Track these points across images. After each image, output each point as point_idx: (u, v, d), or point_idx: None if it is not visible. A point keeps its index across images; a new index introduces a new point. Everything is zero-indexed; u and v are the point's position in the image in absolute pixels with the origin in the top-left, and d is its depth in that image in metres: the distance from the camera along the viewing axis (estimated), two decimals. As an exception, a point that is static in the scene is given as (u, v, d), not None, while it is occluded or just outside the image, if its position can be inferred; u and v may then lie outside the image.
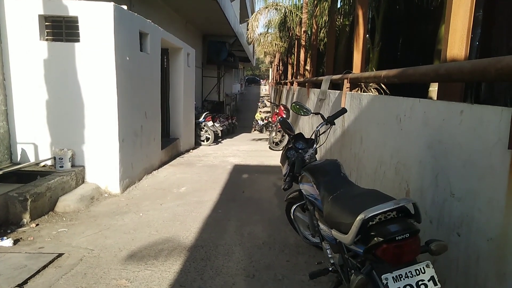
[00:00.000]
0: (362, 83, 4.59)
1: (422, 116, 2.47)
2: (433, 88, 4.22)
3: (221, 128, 11.63)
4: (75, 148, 4.94)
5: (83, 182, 4.96)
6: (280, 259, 3.29)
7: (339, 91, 4.90)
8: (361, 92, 4.56)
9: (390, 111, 3.02)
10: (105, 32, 4.74)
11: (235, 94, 29.89)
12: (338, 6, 8.13)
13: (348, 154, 4.22)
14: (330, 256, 2.41)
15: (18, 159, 4.92)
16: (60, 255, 3.21)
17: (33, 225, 3.85)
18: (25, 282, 2.75)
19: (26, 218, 3.86)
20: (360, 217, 1.74)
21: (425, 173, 2.39)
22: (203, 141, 10.46)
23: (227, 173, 6.61)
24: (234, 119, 15.68)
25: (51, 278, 2.84)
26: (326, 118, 3.13)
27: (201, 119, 10.46)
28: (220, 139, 11.70)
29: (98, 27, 4.73)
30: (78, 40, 4.76)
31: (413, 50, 6.58)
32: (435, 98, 3.41)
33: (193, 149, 9.49)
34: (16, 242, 3.42)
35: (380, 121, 3.25)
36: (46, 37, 4.79)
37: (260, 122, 17.63)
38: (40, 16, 4.70)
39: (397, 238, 1.69)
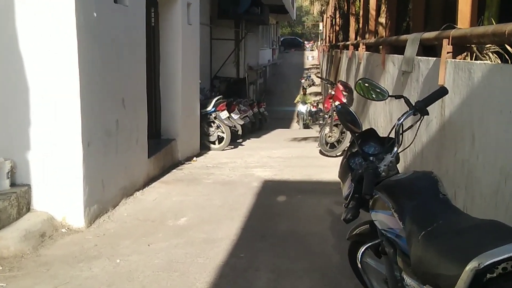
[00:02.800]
0: (473, 45, 4.52)
1: None
2: None
3: (241, 122, 11.74)
4: (16, 158, 5.10)
5: (28, 210, 5.12)
6: (341, 333, 3.30)
7: (434, 59, 4.84)
8: (472, 59, 4.49)
9: (520, 91, 2.97)
10: (60, -25, 4.90)
11: (263, 66, 30.03)
12: None
13: (451, 162, 4.17)
14: (423, 328, 2.40)
15: None
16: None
17: (-45, 277, 4.03)
18: None
19: None
20: (471, 265, 1.72)
21: None
22: (214, 142, 10.58)
23: (252, 194, 6.66)
24: (263, 106, 15.80)
25: None
26: (413, 104, 3.11)
27: (210, 109, 10.56)
28: (241, 139, 11.81)
29: (49, -33, 4.89)
30: (17, -11, 4.94)
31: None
32: None
33: (198, 155, 9.62)
34: None
35: (504, 107, 3.20)
36: (-30, -14, 5.01)
37: (304, 109, 18.18)
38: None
39: (534, 301, 1.67)
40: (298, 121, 20.26)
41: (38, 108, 5.06)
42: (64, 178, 5.17)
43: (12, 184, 5.04)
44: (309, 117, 17.84)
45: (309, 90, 27.09)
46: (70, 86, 5.04)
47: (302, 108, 19.71)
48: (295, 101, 20.75)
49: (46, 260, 4.47)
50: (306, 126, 17.67)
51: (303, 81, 29.09)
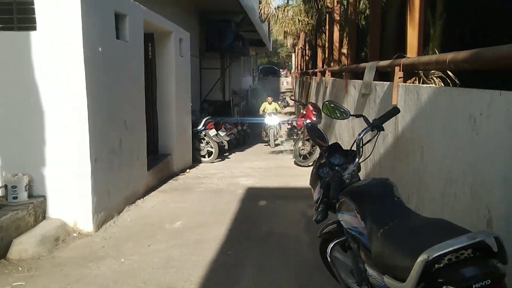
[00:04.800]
0: (420, 71, 4.59)
1: (505, 114, 2.47)
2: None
3: (227, 138, 11.75)
4: (33, 173, 5.07)
5: (44, 218, 5.07)
6: (315, 318, 3.29)
7: (388, 83, 4.91)
8: (419, 83, 4.56)
9: (460, 109, 3.02)
10: (70, 16, 4.89)
11: (245, 90, 30.11)
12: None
13: (404, 171, 4.21)
14: (383, 312, 2.40)
15: (-42, 189, 5.07)
16: (15, 318, 3.29)
17: (-21, 278, 3.96)
18: None
19: (-30, 269, 3.97)
20: (422, 258, 1.74)
21: (512, 195, 2.37)
22: (204, 156, 10.58)
23: (237, 200, 6.66)
24: (246, 125, 15.78)
25: None
26: (371, 122, 3.14)
27: (200, 127, 10.59)
28: (227, 153, 11.80)
29: (61, 11, 4.88)
30: (34, 28, 4.92)
31: (491, 22, 6.53)
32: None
33: (190, 168, 9.59)
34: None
35: (447, 123, 3.25)
36: (-8, 26, 4.98)
37: (275, 122, 14.56)
38: (-16, -2, 4.90)
39: (475, 286, 1.68)
40: (265, 136, 14.91)
41: (51, 129, 5.05)
42: (75, 189, 5.15)
43: (30, 196, 5.02)
44: (280, 132, 15.20)
45: (284, 110, 27.17)
46: (79, 110, 5.04)
47: (270, 120, 14.64)
48: (260, 112, 16.16)
49: (60, 261, 4.43)
50: (275, 141, 14.46)
51: (279, 102, 29.14)
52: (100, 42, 5.37)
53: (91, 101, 5.11)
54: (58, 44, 4.94)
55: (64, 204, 5.15)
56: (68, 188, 5.14)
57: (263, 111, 15.81)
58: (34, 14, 4.91)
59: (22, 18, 4.97)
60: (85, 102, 5.03)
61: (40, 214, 5.02)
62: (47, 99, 5.00)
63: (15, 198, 4.87)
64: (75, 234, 5.11)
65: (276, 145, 14.34)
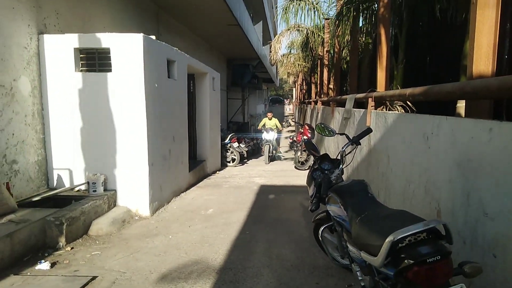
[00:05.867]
0: (387, 101, 4.56)
1: (450, 134, 2.44)
2: (461, 104, 4.14)
3: (246, 149, 11.73)
4: (107, 173, 5.12)
5: (115, 205, 5.11)
6: (310, 281, 3.25)
7: (364, 110, 4.88)
8: (386, 110, 4.53)
9: (416, 129, 2.99)
10: (135, 62, 4.96)
11: (259, 114, 30.14)
12: (360, 25, 8.17)
13: (375, 174, 4.17)
14: (360, 278, 2.37)
15: (55, 184, 5.13)
16: (94, 278, 3.30)
17: (68, 248, 3.99)
18: (62, 304, 2.84)
19: (62, 241, 4.00)
20: (389, 239, 1.72)
21: (455, 192, 2.33)
22: (229, 162, 10.57)
23: (253, 194, 6.63)
24: (259, 139, 15.76)
25: (86, 300, 2.92)
26: (351, 138, 3.13)
27: (226, 141, 10.60)
28: (246, 160, 11.78)
29: (129, 57, 4.96)
30: (110, 70, 5.00)
31: (439, 65, 6.49)
32: (464, 115, 3.35)
33: (219, 170, 9.59)
34: (53, 265, 3.54)
35: (407, 139, 3.22)
36: (80, 69, 5.06)
37: (271, 137, 11.50)
38: (75, 49, 4.99)
39: (428, 260, 1.66)
40: (263, 151, 11.69)
41: (121, 143, 5.10)
42: (137, 185, 5.18)
43: (105, 189, 5.06)
44: (278, 147, 12.39)
45: (286, 129, 27.08)
46: (141, 129, 5.09)
47: (267, 135, 11.70)
48: (259, 127, 12.47)
49: (125, 237, 4.44)
50: (272, 159, 11.62)
51: (283, 123, 29.02)
52: (156, 80, 5.43)
53: (149, 122, 5.16)
54: (126, 81, 5.01)
55: (129, 195, 5.18)
56: (132, 184, 5.17)
57: (263, 126, 12.22)
58: (110, 60, 4.99)
59: (102, 63, 5.06)
60: (145, 123, 5.08)
61: (112, 202, 5.06)
62: (117, 121, 5.06)
63: (94, 191, 4.92)
64: (136, 218, 5.13)
65: (272, 160, 11.47)
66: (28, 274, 3.36)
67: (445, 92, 2.69)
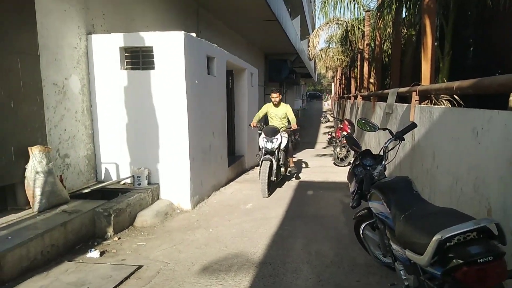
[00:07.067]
0: (432, 95, 4.39)
1: (502, 129, 2.31)
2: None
3: (284, 145, 11.68)
4: (151, 167, 5.31)
5: (158, 198, 5.29)
6: (350, 279, 3.21)
7: (407, 105, 4.73)
8: (431, 104, 4.35)
9: (465, 124, 2.86)
10: (177, 59, 5.09)
11: (297, 110, 29.96)
12: (403, 16, 7.89)
13: (420, 170, 4.03)
14: (404, 277, 2.31)
15: (102, 178, 5.40)
16: (139, 267, 3.45)
17: (116, 238, 4.19)
18: (111, 291, 3.01)
19: (110, 232, 4.22)
20: (436, 237, 1.67)
21: (507, 191, 2.21)
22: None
23: (291, 189, 6.61)
24: (297, 135, 15.64)
25: (132, 288, 3.08)
26: (394, 133, 3.04)
27: (264, 136, 10.53)
28: (284, 156, 11.73)
29: (170, 55, 5.10)
30: (153, 68, 5.16)
31: (487, 57, 6.13)
32: (517, 109, 3.16)
33: (257, 165, 9.62)
34: (102, 253, 3.75)
35: (454, 135, 3.08)
36: (125, 67, 5.27)
37: (273, 145, 6.06)
38: (120, 48, 5.20)
39: (479, 260, 1.59)
40: (260, 170, 6.05)
41: (163, 138, 5.25)
42: (179, 179, 5.31)
43: (149, 183, 5.24)
44: (286, 161, 6.83)
45: (324, 125, 26.63)
46: (182, 124, 5.21)
47: (268, 142, 6.27)
48: (252, 124, 6.87)
49: (168, 229, 4.59)
50: (278, 183, 6.62)
51: (322, 119, 28.62)
52: (196, 76, 5.54)
53: (190, 118, 5.27)
54: (168, 78, 5.15)
55: (171, 189, 5.34)
56: (174, 178, 5.32)
57: (259, 122, 6.95)
58: (153, 58, 5.16)
59: (145, 61, 5.24)
60: (186, 119, 5.20)
61: (155, 196, 5.24)
62: (160, 117, 5.22)
63: (139, 184, 5.12)
64: (178, 211, 5.29)
65: (279, 184, 6.68)
66: (80, 261, 3.58)
67: (497, 85, 2.55)
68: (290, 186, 6.85)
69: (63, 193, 4.31)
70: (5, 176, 3.86)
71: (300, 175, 8.03)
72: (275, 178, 6.28)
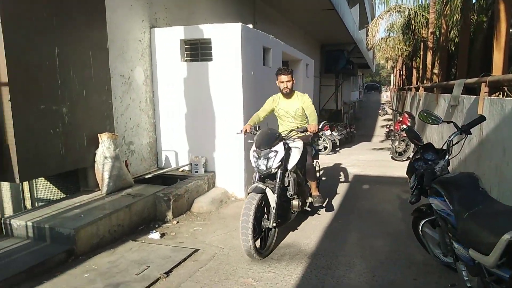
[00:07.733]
0: (504, 87, 4.05)
1: None
2: None
3: (339, 137, 11.51)
4: (207, 156, 5.50)
5: (213, 186, 5.48)
6: (406, 276, 3.11)
7: (474, 97, 4.42)
8: (503, 96, 4.02)
9: (543, 119, 2.62)
10: (234, 50, 5.18)
11: (353, 102, 29.16)
12: (473, 1, 7.33)
13: (487, 167, 3.77)
14: (466, 278, 2.20)
15: (163, 164, 5.70)
16: (196, 250, 3.62)
17: (174, 222, 4.43)
18: (170, 271, 3.20)
19: (169, 215, 4.46)
20: (505, 237, 1.57)
21: None
22: (321, 150, 10.47)
23: (346, 183, 6.50)
24: (353, 127, 15.29)
25: (190, 269, 3.24)
26: (460, 127, 2.87)
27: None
28: (338, 148, 11.55)
29: (228, 46, 5.20)
30: (211, 59, 5.31)
31: None
32: None
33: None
34: (162, 235, 3.99)
35: (529, 129, 2.84)
36: (185, 58, 5.48)
37: (273, 164, 3.29)
38: (181, 40, 5.41)
39: (554, 265, 1.47)
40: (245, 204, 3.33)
41: (219, 128, 5.41)
42: (233, 168, 5.44)
43: (205, 171, 5.45)
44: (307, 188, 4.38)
45: (382, 118, 25.63)
46: (238, 115, 5.31)
47: (256, 159, 3.55)
48: (244, 131, 4.16)
49: (223, 216, 4.75)
50: (265, 237, 3.55)
51: (380, 111, 27.58)
52: (252, 67, 5.61)
53: (245, 108, 5.35)
54: (225, 69, 5.26)
55: (226, 178, 5.49)
56: (229, 167, 5.45)
57: (254, 128, 4.21)
58: (211, 50, 5.30)
59: (203, 53, 5.40)
60: (242, 109, 5.29)
61: (211, 183, 5.43)
62: (217, 107, 5.37)
63: (196, 172, 5.34)
64: (232, 199, 5.43)
65: (268, 235, 3.64)
66: (143, 241, 3.84)
67: None
68: (345, 180, 6.72)
69: (128, 177, 4.62)
70: (79, 160, 4.22)
71: (355, 169, 7.83)
72: (275, 224, 3.49)
